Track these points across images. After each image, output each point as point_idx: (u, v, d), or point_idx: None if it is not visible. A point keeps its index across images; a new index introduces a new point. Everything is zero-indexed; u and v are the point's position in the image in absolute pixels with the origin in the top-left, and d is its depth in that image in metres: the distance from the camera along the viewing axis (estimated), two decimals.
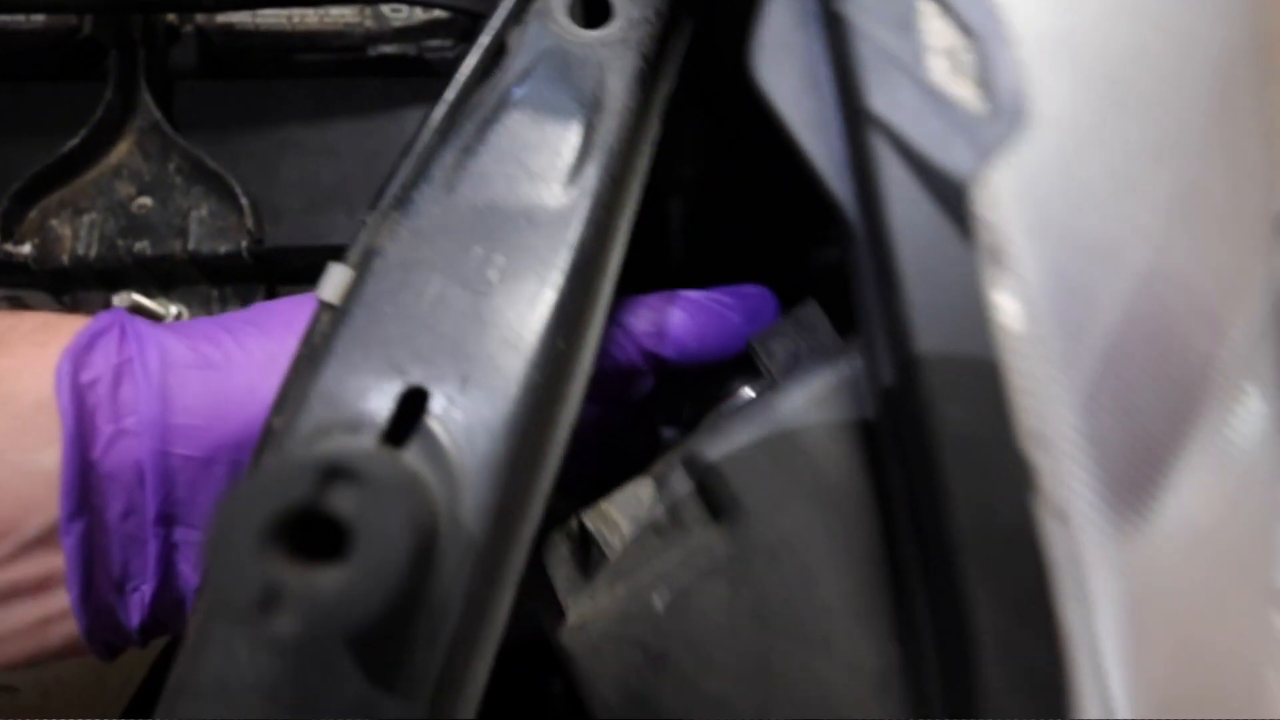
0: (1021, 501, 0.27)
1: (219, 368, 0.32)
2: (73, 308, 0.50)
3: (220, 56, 0.53)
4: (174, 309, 0.50)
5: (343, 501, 0.25)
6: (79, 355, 0.30)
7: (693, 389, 0.46)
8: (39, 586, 0.32)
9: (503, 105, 0.38)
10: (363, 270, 0.35)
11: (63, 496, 0.29)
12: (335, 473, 0.25)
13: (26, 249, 0.48)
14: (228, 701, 0.29)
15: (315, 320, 0.35)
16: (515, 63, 0.40)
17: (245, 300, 0.52)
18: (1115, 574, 0.29)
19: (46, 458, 0.29)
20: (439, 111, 0.38)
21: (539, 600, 0.41)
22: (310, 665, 0.29)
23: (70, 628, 0.32)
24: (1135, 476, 0.30)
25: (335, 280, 0.35)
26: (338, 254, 0.49)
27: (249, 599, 0.24)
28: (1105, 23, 0.31)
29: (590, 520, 0.39)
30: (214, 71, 0.53)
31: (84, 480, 0.30)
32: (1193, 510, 0.31)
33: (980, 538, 0.27)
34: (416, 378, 0.33)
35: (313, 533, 0.26)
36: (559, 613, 0.38)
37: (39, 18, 0.49)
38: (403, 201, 0.36)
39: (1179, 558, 0.30)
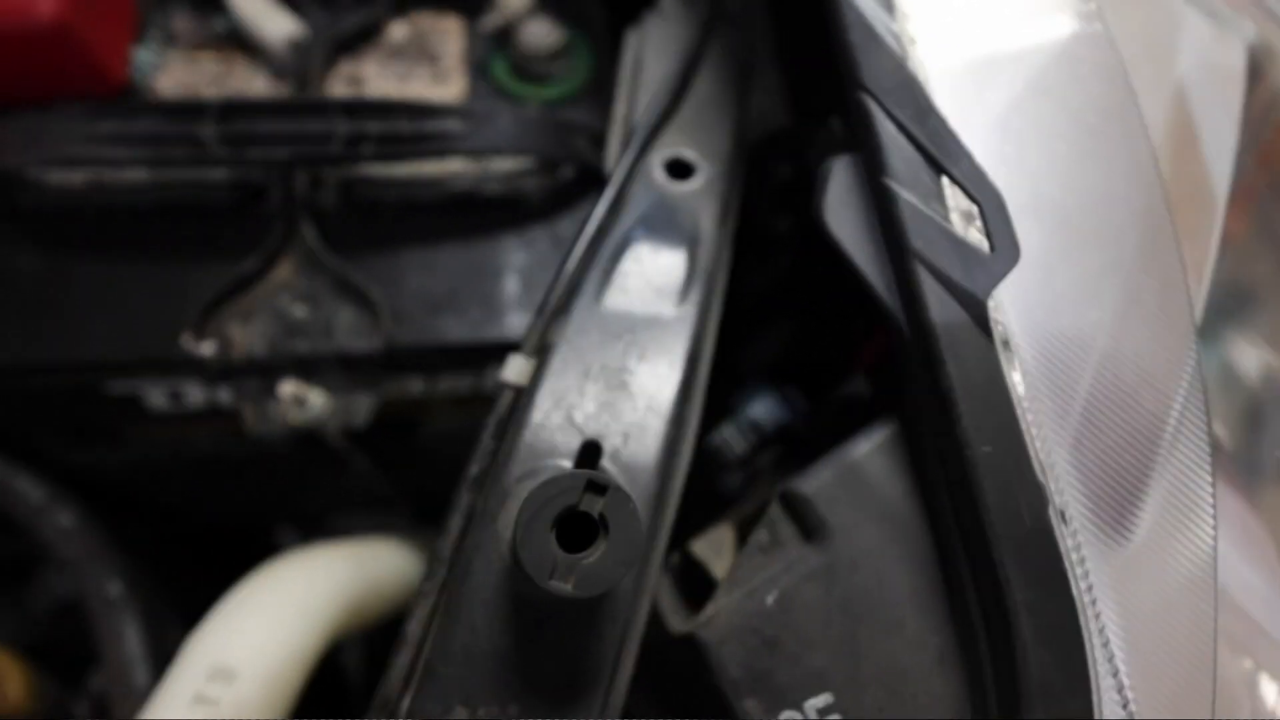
0: (1038, 510, 0.40)
1: None
2: (237, 395, 0.60)
3: (358, 196, 0.65)
4: (319, 396, 0.61)
5: (593, 506, 0.37)
6: None
7: None
8: None
9: (629, 241, 0.52)
10: (541, 359, 0.47)
11: None
12: (589, 486, 0.37)
13: (207, 349, 0.59)
14: (474, 665, 0.39)
15: (500, 398, 0.47)
16: (632, 209, 0.54)
17: (375, 389, 0.63)
18: (1107, 571, 0.42)
19: None
20: (581, 246, 0.51)
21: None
22: (533, 635, 0.40)
23: None
24: (1116, 502, 0.43)
25: (517, 366, 0.47)
26: (451, 351, 0.63)
27: (545, 568, 0.35)
28: (1063, 194, 0.47)
29: (698, 551, 0.50)
30: (353, 207, 0.65)
31: None
32: (1157, 532, 0.44)
33: (1011, 536, 0.40)
34: (591, 432, 0.45)
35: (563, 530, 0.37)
36: (663, 626, 0.49)
37: (222, 170, 0.62)
38: (564, 309, 0.49)
39: (1148, 565, 0.43)
